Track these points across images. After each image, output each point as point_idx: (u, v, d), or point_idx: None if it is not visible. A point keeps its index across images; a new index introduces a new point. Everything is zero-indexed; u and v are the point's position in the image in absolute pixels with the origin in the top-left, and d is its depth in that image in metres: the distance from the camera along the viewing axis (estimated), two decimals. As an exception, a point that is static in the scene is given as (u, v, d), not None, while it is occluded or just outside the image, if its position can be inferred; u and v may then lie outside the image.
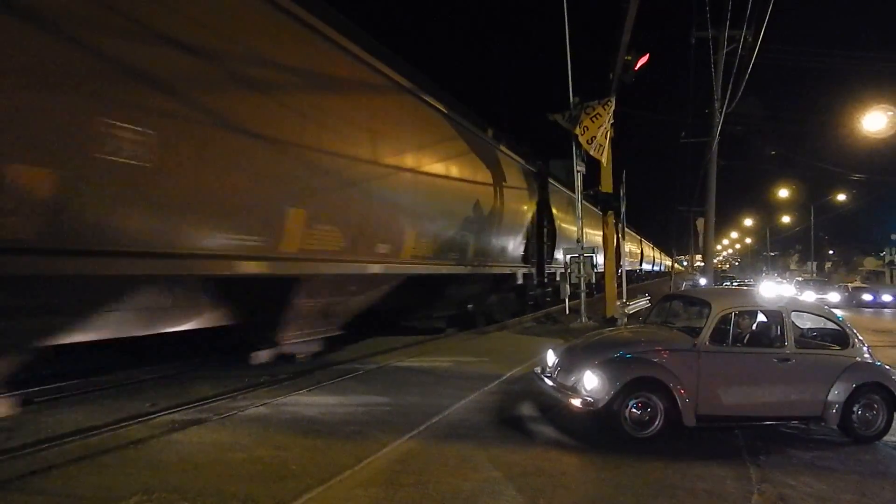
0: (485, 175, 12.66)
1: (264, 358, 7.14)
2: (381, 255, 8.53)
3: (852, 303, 29.64)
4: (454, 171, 11.14)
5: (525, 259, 15.71)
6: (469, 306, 13.33)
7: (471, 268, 12.00)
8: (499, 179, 13.34)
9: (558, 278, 18.06)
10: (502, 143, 14.37)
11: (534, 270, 16.59)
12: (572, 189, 19.56)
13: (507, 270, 14.52)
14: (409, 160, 9.21)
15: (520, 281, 15.40)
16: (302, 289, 7.21)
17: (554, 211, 17.91)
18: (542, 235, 17.07)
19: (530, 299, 17.27)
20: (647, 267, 52.17)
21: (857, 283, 35.65)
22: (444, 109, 10.65)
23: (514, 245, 14.96)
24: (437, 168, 10.28)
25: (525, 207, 15.70)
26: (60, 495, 3.71)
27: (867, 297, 30.39)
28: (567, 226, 19.17)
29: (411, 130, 9.47)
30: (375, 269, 8.49)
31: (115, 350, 7.18)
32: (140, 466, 4.19)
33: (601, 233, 17.67)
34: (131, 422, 5.24)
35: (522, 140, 16.45)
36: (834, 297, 30.05)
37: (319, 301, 7.73)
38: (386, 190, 8.58)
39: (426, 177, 9.78)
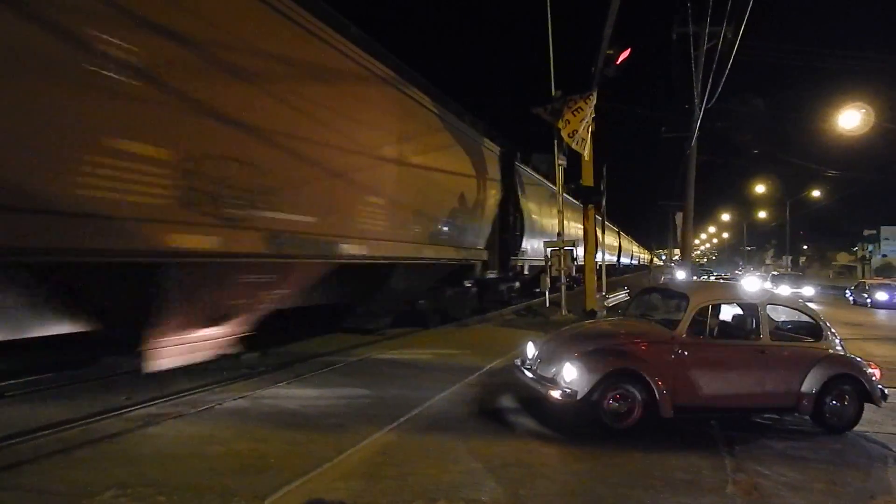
0: (425, 143, 10.75)
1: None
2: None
3: (866, 303, 25.74)
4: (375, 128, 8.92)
5: (488, 249, 14.18)
6: (420, 302, 11.93)
7: (414, 245, 10.09)
8: (444, 151, 11.64)
9: (526, 272, 17.00)
10: (454, 112, 12.22)
11: (496, 263, 14.84)
12: (545, 177, 19.51)
13: (459, 258, 12.38)
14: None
15: (478, 274, 13.81)
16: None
17: (522, 199, 16.46)
18: (507, 225, 15.33)
19: (494, 295, 15.86)
20: (626, 260, 52.71)
21: (877, 279, 30.46)
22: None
23: (473, 233, 13.24)
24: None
25: (484, 191, 13.85)
26: (33, 491, 3.63)
27: (882, 295, 25.23)
28: (538, 217, 18.06)
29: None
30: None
31: (91, 343, 7.04)
32: (115, 461, 4.13)
33: (581, 226, 17.75)
34: (106, 415, 5.15)
35: (503, 133, 16.29)
36: (808, 290, 29.49)
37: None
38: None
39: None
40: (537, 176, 18.95)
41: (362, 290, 9.70)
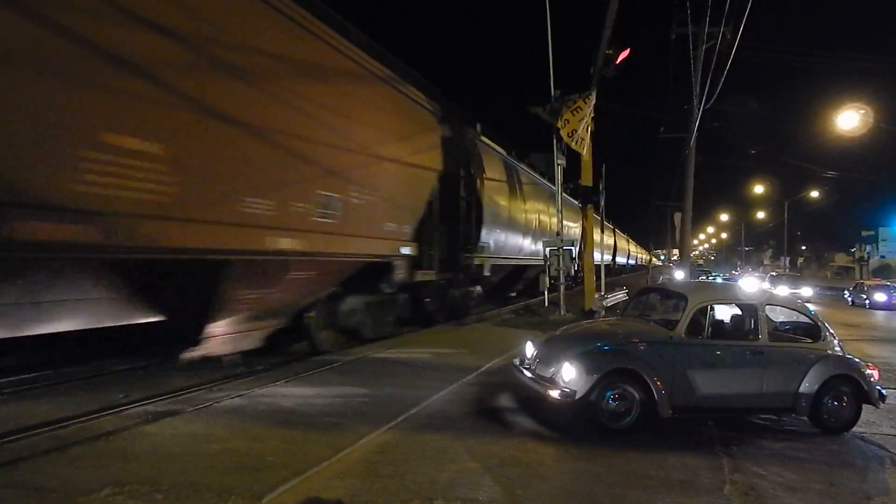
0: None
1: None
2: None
3: (865, 304, 25.84)
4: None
5: (420, 242, 10.59)
6: (307, 315, 8.43)
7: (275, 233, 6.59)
8: (322, 84, 7.62)
9: (488, 272, 14.03)
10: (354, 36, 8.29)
11: (435, 260, 11.32)
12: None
13: (359, 254, 8.61)
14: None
15: (401, 275, 9.93)
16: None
17: (482, 181, 13.20)
18: (454, 211, 12.01)
19: (440, 302, 12.32)
20: (623, 260, 52.73)
21: (875, 280, 30.72)
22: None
23: (390, 217, 9.44)
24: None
25: (411, 160, 10.13)
26: (29, 488, 3.62)
27: (880, 296, 25.39)
28: (506, 205, 15.08)
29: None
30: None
31: (87, 341, 7.02)
32: (112, 458, 4.11)
33: (576, 224, 17.71)
34: (103, 413, 5.14)
35: (504, 134, 16.16)
36: (806, 291, 29.58)
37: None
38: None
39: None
40: (515, 161, 16.57)
41: (178, 303, 6.33)
